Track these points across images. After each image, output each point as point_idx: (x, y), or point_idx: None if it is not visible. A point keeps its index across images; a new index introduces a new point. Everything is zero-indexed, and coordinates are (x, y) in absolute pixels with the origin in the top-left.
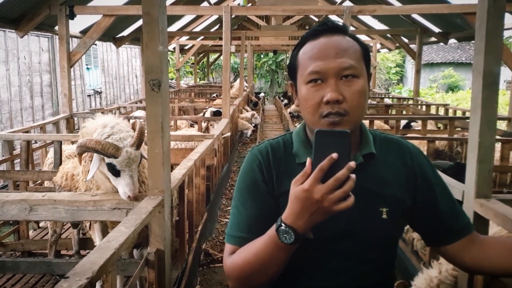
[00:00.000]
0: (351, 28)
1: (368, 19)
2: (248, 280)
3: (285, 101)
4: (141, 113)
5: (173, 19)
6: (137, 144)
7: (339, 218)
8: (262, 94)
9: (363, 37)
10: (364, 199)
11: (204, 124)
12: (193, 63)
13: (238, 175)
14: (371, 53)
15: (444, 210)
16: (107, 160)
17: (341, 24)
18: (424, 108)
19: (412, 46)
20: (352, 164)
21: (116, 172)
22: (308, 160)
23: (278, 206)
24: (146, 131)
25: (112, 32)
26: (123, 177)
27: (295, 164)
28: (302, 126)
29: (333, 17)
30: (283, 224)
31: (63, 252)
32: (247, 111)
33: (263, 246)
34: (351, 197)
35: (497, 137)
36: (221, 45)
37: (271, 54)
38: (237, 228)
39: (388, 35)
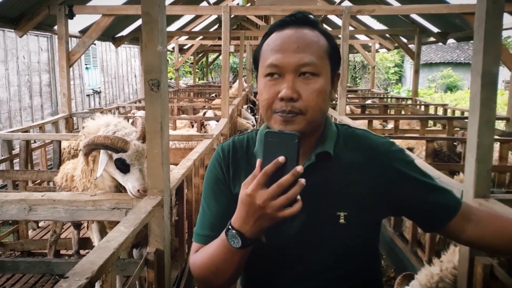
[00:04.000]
0: (350, 28)
1: (367, 19)
2: (206, 282)
3: None
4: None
5: (172, 18)
6: (143, 138)
7: (291, 223)
8: None
9: (361, 37)
10: (318, 203)
11: (203, 130)
12: (192, 63)
13: None
14: (369, 53)
15: (426, 198)
16: (116, 156)
17: (312, 17)
18: (422, 108)
19: (410, 46)
20: (298, 169)
21: (125, 168)
22: (258, 162)
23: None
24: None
25: (111, 32)
26: (133, 172)
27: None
28: (266, 124)
29: (332, 17)
30: (231, 228)
31: (62, 252)
32: (248, 112)
33: (217, 249)
34: (298, 202)
35: (496, 137)
36: (220, 45)
37: None
38: (202, 227)
39: (387, 35)
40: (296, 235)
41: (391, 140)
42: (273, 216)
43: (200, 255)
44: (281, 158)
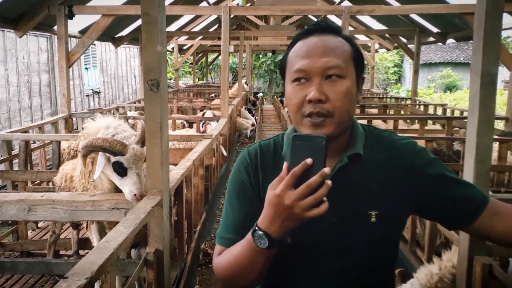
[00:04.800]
0: (350, 28)
1: (366, 19)
2: (231, 283)
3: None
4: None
5: (171, 19)
6: (142, 142)
7: (321, 222)
8: (260, 94)
9: (361, 37)
10: (351, 202)
11: (202, 129)
12: (191, 63)
13: None
14: (369, 53)
15: (452, 197)
16: (114, 158)
17: (334, 25)
18: (422, 108)
19: (410, 46)
20: (326, 170)
21: (123, 171)
22: (285, 164)
23: None
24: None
25: (111, 32)
26: (130, 176)
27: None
28: (292, 127)
29: (332, 17)
30: (257, 229)
31: (62, 252)
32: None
33: (242, 250)
34: (325, 203)
35: (495, 136)
36: (219, 45)
37: (269, 54)
38: (225, 230)
39: (387, 35)
40: (326, 235)
41: (414, 140)
42: (300, 216)
43: (225, 257)
44: (308, 160)
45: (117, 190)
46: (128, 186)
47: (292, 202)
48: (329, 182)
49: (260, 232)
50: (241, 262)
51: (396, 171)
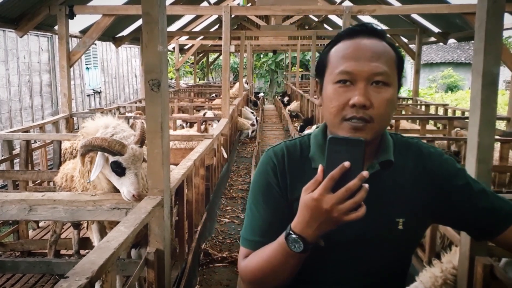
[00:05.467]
0: None
1: (367, 19)
2: (260, 285)
3: (286, 98)
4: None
5: (172, 19)
6: (141, 142)
7: (351, 225)
8: (261, 94)
9: None
10: (379, 209)
11: (203, 127)
12: (192, 63)
13: (237, 175)
14: None
15: (477, 207)
16: (112, 158)
17: (379, 28)
18: (423, 108)
19: (411, 46)
20: (364, 173)
21: (121, 171)
22: (320, 167)
23: (291, 211)
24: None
25: (111, 32)
26: (128, 176)
27: (311, 169)
28: (320, 129)
29: (333, 17)
30: (292, 232)
31: (62, 252)
32: (252, 113)
33: (274, 253)
34: (363, 207)
35: (496, 137)
36: (220, 45)
37: (270, 54)
38: (251, 232)
39: (388, 35)
40: (354, 238)
41: (442, 149)
42: (338, 220)
43: (255, 260)
44: (347, 164)
45: (116, 189)
46: (126, 186)
47: (331, 206)
48: (366, 185)
49: (295, 236)
50: (272, 265)
51: (423, 179)
